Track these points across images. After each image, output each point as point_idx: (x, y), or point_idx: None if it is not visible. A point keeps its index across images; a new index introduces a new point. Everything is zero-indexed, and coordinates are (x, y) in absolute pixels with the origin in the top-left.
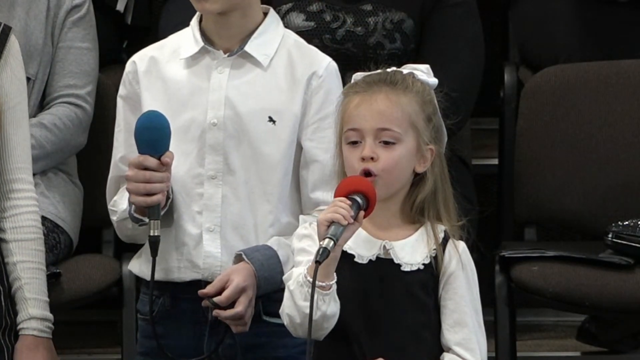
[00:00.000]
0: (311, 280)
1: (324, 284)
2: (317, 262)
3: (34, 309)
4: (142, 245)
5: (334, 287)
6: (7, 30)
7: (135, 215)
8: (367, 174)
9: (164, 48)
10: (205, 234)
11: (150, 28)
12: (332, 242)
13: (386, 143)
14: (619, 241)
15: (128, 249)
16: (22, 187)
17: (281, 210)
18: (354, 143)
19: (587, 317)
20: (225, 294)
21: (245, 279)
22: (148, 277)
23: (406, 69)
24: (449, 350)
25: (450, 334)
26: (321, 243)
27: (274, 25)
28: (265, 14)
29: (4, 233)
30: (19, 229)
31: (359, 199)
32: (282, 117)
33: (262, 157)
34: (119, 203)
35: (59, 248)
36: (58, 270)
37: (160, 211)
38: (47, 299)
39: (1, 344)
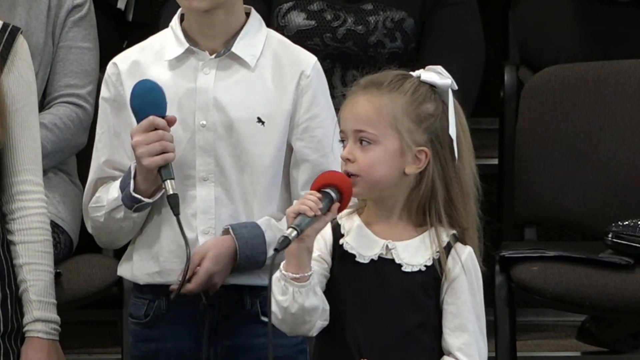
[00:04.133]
0: (285, 272)
1: (298, 275)
2: (275, 250)
3: (38, 311)
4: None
5: (313, 279)
6: (15, 31)
7: (135, 195)
8: (347, 174)
9: (146, 50)
10: (201, 236)
11: (151, 26)
12: (294, 232)
13: (363, 144)
14: (619, 241)
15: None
16: (30, 188)
17: (273, 210)
18: (343, 143)
19: (587, 317)
20: (195, 282)
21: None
22: (141, 281)
23: (427, 70)
24: (449, 354)
25: (450, 339)
26: (284, 232)
27: (257, 24)
28: (247, 14)
29: (12, 235)
30: (26, 231)
31: (331, 192)
32: (271, 118)
33: (252, 158)
34: (104, 198)
35: (59, 248)
36: (58, 270)
37: (173, 170)
38: (54, 301)
39: (7, 347)
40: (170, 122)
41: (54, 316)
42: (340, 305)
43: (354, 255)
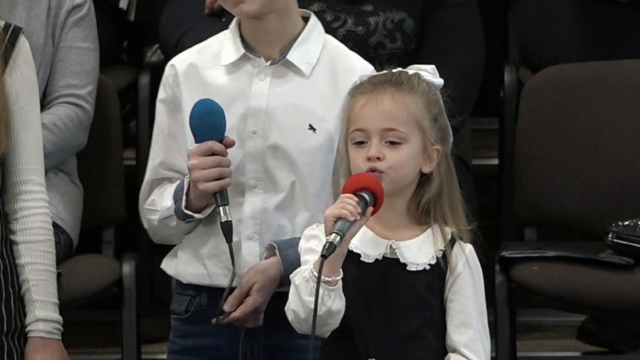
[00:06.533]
0: (317, 275)
1: (329, 279)
2: (323, 256)
3: (40, 310)
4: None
5: (340, 283)
6: (17, 31)
7: (186, 211)
8: (373, 170)
9: (203, 53)
10: (244, 242)
11: (152, 26)
12: (338, 237)
13: (392, 143)
14: (619, 241)
15: (128, 249)
16: (32, 188)
17: (318, 218)
18: (360, 143)
19: (587, 317)
20: (241, 311)
21: (261, 288)
22: (185, 280)
23: (412, 69)
24: (454, 351)
25: (455, 335)
26: (327, 237)
27: (315, 31)
28: (306, 20)
29: (14, 235)
30: (28, 231)
31: (366, 196)
32: (323, 125)
33: (301, 166)
34: (158, 202)
35: (59, 248)
36: (58, 271)
37: (228, 196)
38: (57, 301)
39: (10, 346)
40: (229, 145)
41: (56, 316)
42: (347, 305)
43: (359, 255)
